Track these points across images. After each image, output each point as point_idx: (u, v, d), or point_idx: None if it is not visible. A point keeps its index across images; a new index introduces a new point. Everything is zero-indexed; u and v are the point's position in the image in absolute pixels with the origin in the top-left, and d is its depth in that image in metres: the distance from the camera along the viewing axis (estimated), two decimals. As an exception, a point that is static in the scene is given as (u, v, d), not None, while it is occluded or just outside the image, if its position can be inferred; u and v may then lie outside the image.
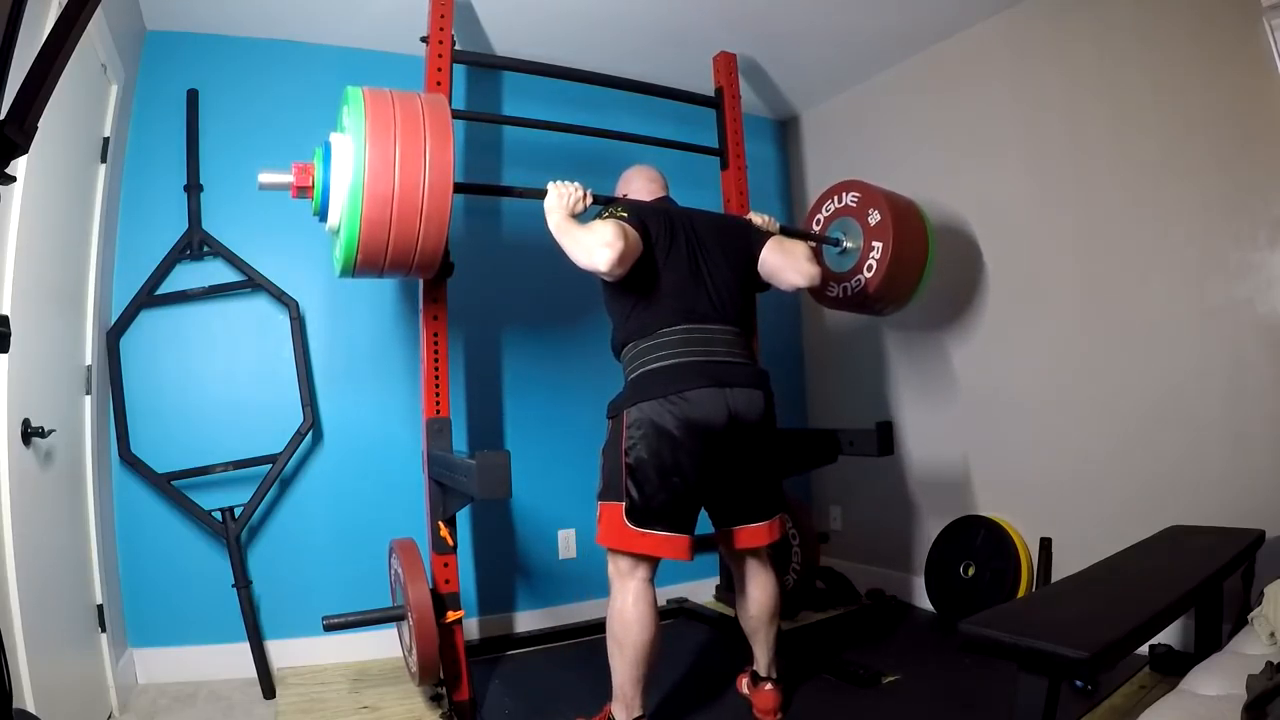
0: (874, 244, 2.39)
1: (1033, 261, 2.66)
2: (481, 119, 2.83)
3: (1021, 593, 2.55)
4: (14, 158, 0.87)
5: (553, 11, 2.63)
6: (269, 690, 2.30)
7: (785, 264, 1.97)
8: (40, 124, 0.88)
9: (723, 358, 1.83)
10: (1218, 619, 1.89)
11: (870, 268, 2.39)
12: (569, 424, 2.97)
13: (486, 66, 2.87)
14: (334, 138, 1.70)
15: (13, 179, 0.89)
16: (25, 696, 1.51)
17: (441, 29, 2.27)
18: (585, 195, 1.91)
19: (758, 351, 2.67)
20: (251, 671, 2.33)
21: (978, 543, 2.73)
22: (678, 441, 1.73)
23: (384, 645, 2.54)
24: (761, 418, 1.84)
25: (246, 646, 2.34)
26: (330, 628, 1.97)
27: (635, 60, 2.89)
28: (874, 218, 2.41)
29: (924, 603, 2.92)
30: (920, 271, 2.49)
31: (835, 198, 2.58)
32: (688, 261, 1.88)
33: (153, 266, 2.44)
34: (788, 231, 2.30)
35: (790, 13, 2.70)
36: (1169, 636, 2.14)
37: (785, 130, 3.80)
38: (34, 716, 1.24)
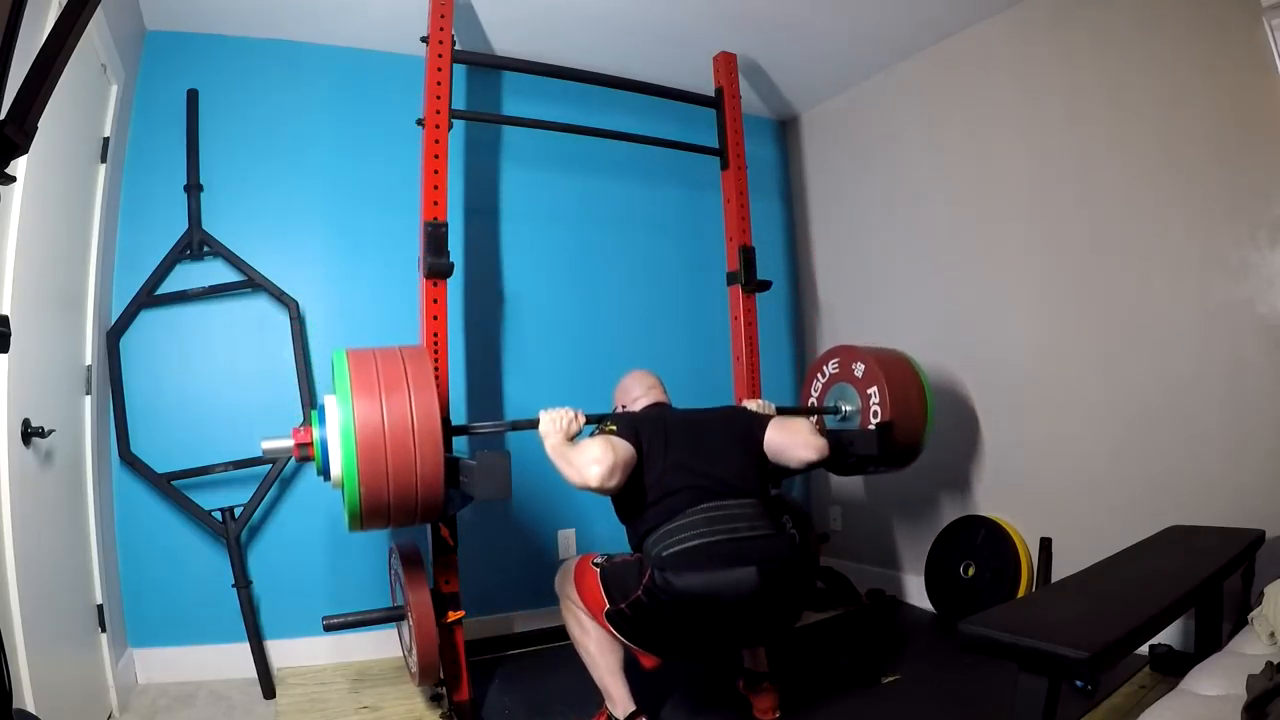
0: (869, 391, 2.36)
1: (1033, 261, 2.65)
2: (481, 119, 2.84)
3: (1021, 593, 2.56)
4: (14, 158, 0.87)
5: (553, 11, 2.63)
6: (269, 690, 2.30)
7: (791, 441, 1.96)
8: (40, 124, 0.88)
9: (745, 533, 1.78)
10: (1218, 619, 1.89)
11: (875, 413, 2.34)
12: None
13: (486, 66, 2.87)
14: (326, 399, 1.77)
15: (13, 179, 0.90)
16: (25, 696, 1.51)
17: (441, 29, 2.28)
18: (576, 416, 1.90)
19: (757, 367, 2.64)
20: (251, 671, 2.33)
21: (978, 543, 2.73)
22: (697, 617, 1.69)
23: (384, 645, 2.55)
24: (794, 585, 1.78)
25: (246, 646, 2.34)
26: (330, 628, 1.97)
27: (635, 60, 2.89)
28: (858, 369, 2.39)
29: (924, 603, 2.92)
30: (923, 409, 2.42)
31: (820, 372, 2.57)
32: (692, 449, 1.88)
33: (153, 266, 2.44)
34: (785, 411, 2.28)
35: (790, 13, 2.70)
36: (1169, 636, 2.14)
37: (785, 130, 3.80)
38: (34, 716, 1.24)
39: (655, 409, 2.05)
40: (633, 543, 1.91)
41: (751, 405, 2.17)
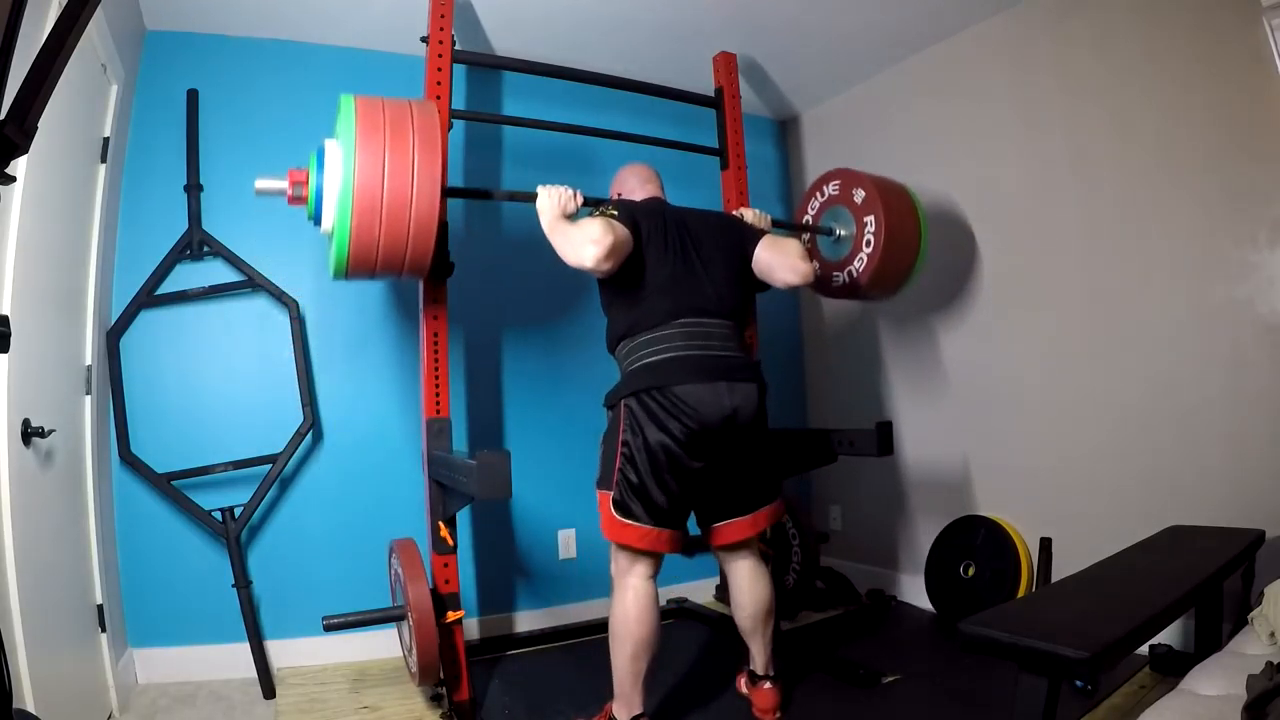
0: (865, 219, 2.36)
1: (1033, 262, 2.65)
2: (481, 119, 2.83)
3: (1021, 593, 2.55)
4: (14, 158, 0.87)
5: (553, 11, 2.63)
6: (269, 690, 2.30)
7: (779, 262, 1.98)
8: (40, 124, 0.88)
9: (719, 351, 1.86)
10: (1218, 619, 1.89)
11: (868, 242, 2.35)
12: (569, 423, 2.97)
13: (486, 66, 2.87)
14: (327, 144, 1.74)
15: (13, 179, 0.89)
16: (25, 696, 1.51)
17: (441, 29, 2.27)
18: (575, 195, 1.93)
19: (755, 347, 2.66)
20: (251, 671, 2.33)
21: (978, 543, 2.73)
22: (672, 434, 1.75)
23: (384, 645, 2.54)
24: (755, 412, 1.86)
25: (246, 646, 2.34)
26: (330, 628, 1.97)
27: (635, 60, 2.89)
28: (859, 195, 2.39)
29: (924, 603, 2.92)
30: (916, 245, 2.45)
31: (818, 192, 2.57)
32: (682, 257, 1.90)
33: (153, 266, 2.44)
34: (780, 226, 2.32)
35: (790, 13, 2.70)
36: (1169, 636, 2.14)
37: (785, 130, 3.80)
38: (34, 716, 1.24)
39: (654, 202, 2.04)
40: (609, 340, 1.96)
41: (747, 215, 2.20)
